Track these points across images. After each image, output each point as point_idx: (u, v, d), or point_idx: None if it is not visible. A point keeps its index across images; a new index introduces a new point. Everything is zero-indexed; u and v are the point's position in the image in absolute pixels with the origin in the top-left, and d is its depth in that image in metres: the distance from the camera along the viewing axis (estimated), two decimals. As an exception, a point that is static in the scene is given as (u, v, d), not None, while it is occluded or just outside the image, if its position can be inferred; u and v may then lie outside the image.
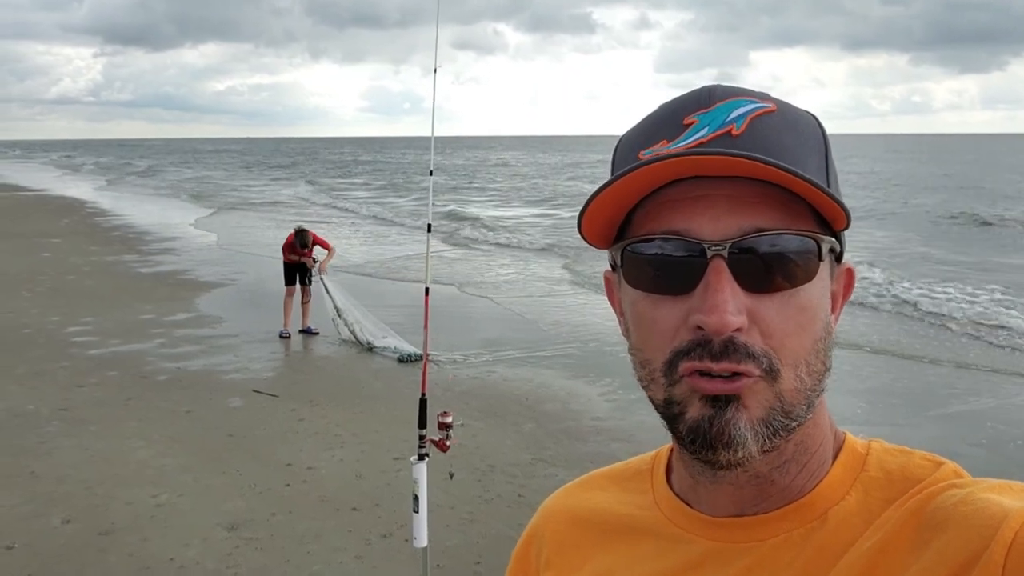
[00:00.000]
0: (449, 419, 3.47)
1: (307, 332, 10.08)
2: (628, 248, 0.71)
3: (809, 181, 0.63)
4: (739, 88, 0.71)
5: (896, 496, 0.68)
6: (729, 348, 0.64)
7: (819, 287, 0.68)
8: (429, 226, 3.59)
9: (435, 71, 3.34)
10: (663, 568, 0.76)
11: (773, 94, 0.72)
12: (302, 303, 10.24)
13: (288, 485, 5.54)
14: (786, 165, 0.63)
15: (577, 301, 12.39)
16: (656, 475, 0.84)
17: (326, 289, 10.00)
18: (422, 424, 3.52)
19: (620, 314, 0.76)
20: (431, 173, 3.57)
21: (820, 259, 0.68)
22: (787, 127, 0.69)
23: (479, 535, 4.83)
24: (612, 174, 0.70)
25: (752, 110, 0.68)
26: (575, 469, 5.81)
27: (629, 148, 0.72)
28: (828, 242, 0.69)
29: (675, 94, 0.74)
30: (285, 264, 10.43)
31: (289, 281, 10.34)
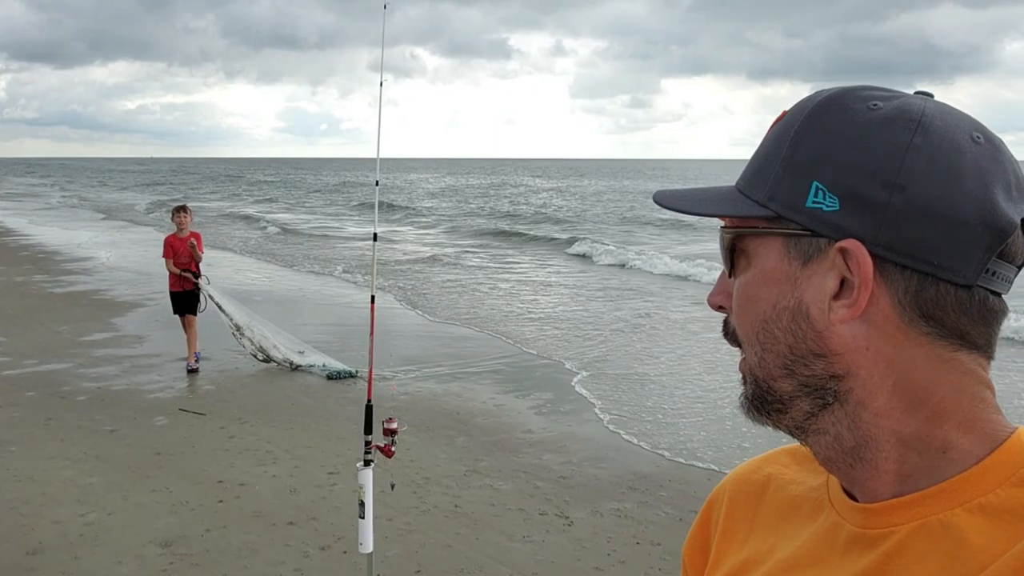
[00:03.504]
0: (394, 425, 3.55)
1: (193, 371, 8.86)
2: None
3: (692, 211, 0.74)
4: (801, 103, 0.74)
5: None
6: (726, 322, 0.78)
7: (756, 273, 0.72)
8: (375, 235, 3.67)
9: (381, 84, 3.44)
10: (819, 549, 0.75)
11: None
12: (187, 334, 9.12)
13: (221, 501, 5.48)
14: (670, 206, 0.75)
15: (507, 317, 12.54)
16: None
17: (218, 306, 9.03)
18: (368, 430, 3.59)
19: None
20: (376, 184, 3.66)
21: (733, 250, 0.74)
22: (768, 138, 0.74)
23: (418, 544, 4.88)
24: None
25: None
26: (509, 480, 5.94)
27: None
28: (749, 231, 0.72)
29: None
30: (172, 293, 9.26)
31: (177, 310, 9.23)
